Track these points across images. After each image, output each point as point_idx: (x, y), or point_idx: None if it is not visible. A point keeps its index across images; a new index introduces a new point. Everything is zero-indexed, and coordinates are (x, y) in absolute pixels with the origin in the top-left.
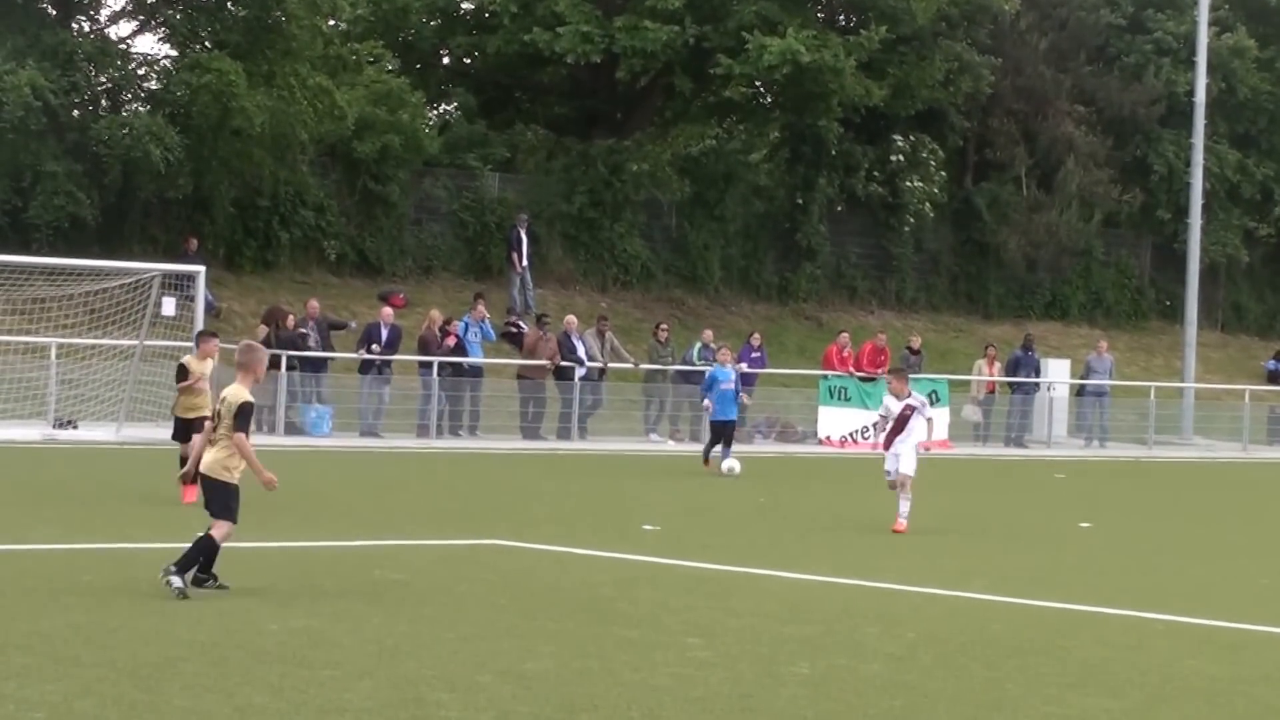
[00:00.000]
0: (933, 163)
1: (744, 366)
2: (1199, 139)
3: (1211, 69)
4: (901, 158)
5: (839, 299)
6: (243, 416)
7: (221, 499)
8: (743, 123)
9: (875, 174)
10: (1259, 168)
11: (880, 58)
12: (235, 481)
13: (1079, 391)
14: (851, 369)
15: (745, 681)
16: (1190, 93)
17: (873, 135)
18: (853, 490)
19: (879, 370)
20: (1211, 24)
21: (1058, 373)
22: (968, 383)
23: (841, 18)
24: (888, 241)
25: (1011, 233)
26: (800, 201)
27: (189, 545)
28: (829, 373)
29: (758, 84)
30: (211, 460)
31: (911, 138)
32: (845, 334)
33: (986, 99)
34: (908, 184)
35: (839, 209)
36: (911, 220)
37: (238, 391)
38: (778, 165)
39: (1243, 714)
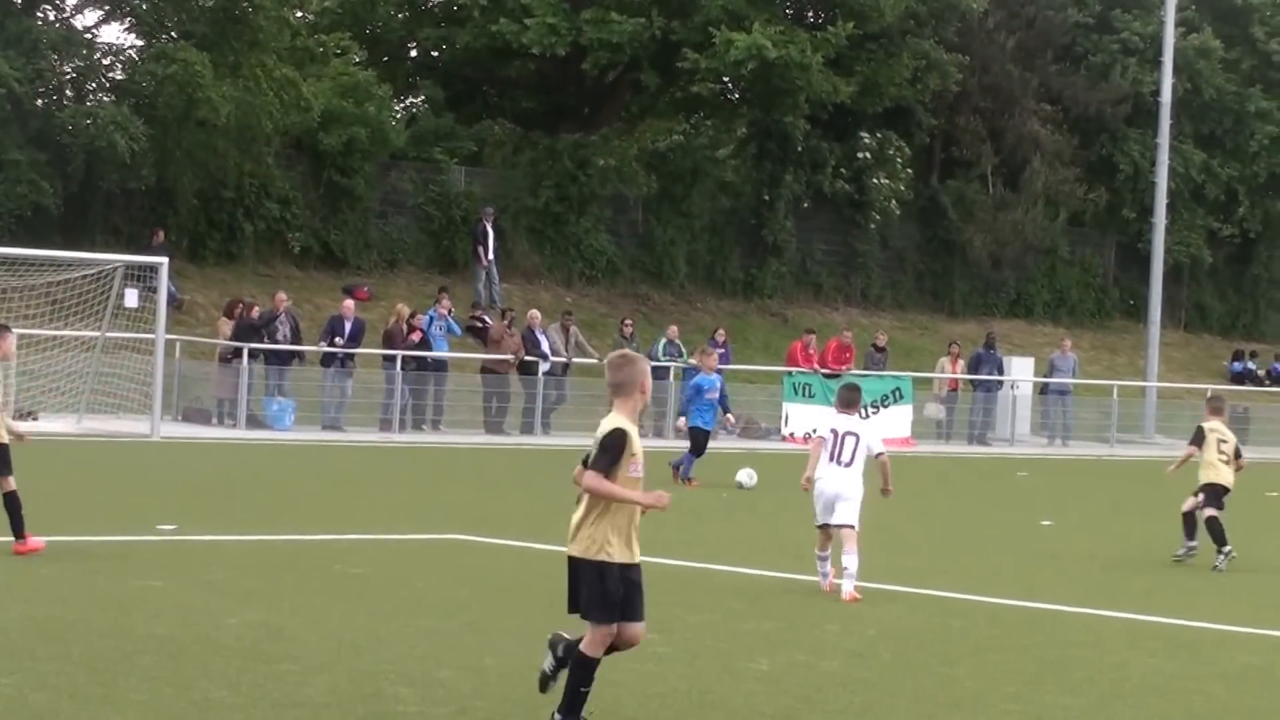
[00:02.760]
0: (899, 160)
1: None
2: (1164, 139)
3: (1177, 69)
4: (868, 155)
5: (804, 296)
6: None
7: None
8: (710, 118)
9: (842, 171)
10: (1223, 168)
11: (847, 54)
12: None
13: (1042, 390)
14: (816, 366)
15: (705, 677)
16: (1156, 92)
17: (839, 132)
18: None
19: (844, 367)
20: (1178, 24)
21: (1021, 371)
22: (931, 380)
23: (809, 14)
24: (853, 238)
25: (977, 231)
26: (766, 198)
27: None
28: (794, 369)
29: (725, 79)
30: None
31: (878, 135)
32: (811, 332)
33: (953, 97)
34: (874, 181)
35: (805, 206)
36: (877, 217)
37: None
38: (744, 161)
39: (1199, 712)
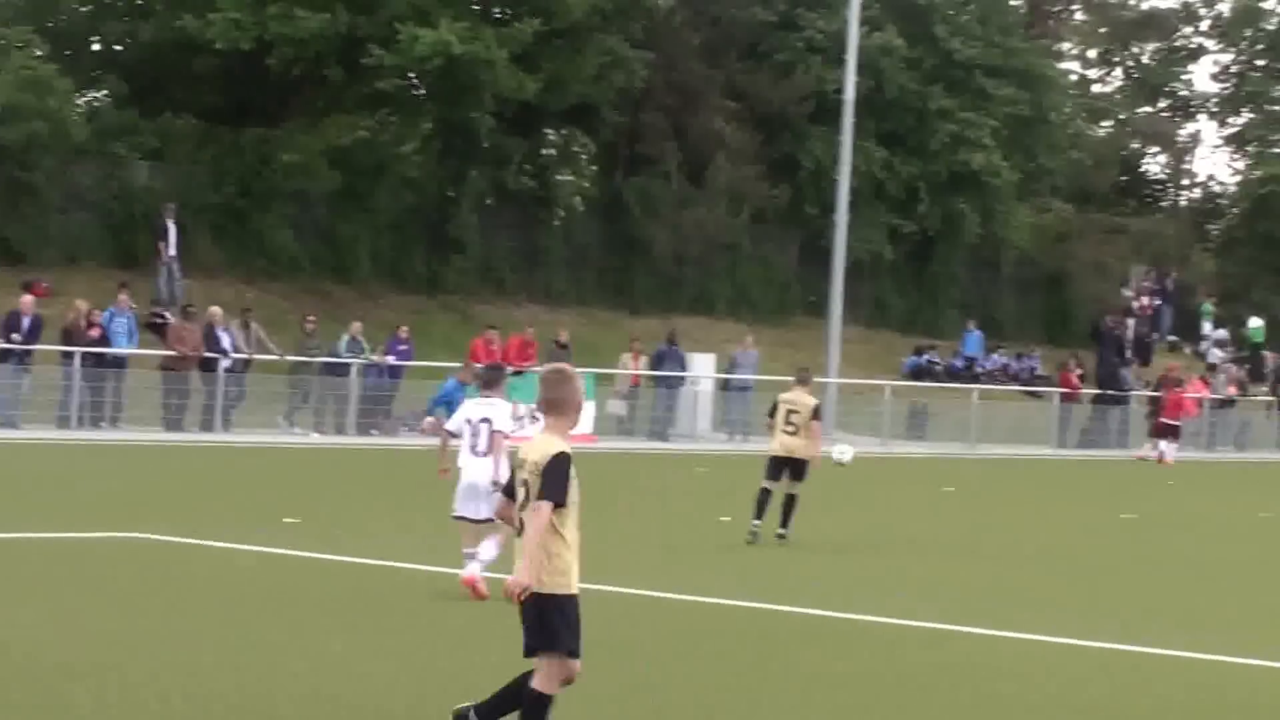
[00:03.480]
0: (584, 157)
1: (390, 359)
2: (847, 136)
3: (861, 67)
4: (553, 151)
5: (487, 292)
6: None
7: None
8: (395, 114)
9: (526, 167)
10: (905, 166)
11: (533, 51)
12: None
13: (724, 386)
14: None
15: (381, 675)
16: (839, 90)
17: (525, 128)
18: None
19: (526, 364)
20: (862, 23)
21: (703, 367)
22: (614, 376)
23: (495, 10)
24: (537, 235)
25: (660, 227)
26: (451, 194)
27: None
28: (476, 366)
29: (410, 75)
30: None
31: (563, 131)
32: (493, 328)
33: (639, 94)
34: (558, 178)
35: (489, 202)
36: (562, 214)
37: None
38: (429, 158)
39: (879, 708)
